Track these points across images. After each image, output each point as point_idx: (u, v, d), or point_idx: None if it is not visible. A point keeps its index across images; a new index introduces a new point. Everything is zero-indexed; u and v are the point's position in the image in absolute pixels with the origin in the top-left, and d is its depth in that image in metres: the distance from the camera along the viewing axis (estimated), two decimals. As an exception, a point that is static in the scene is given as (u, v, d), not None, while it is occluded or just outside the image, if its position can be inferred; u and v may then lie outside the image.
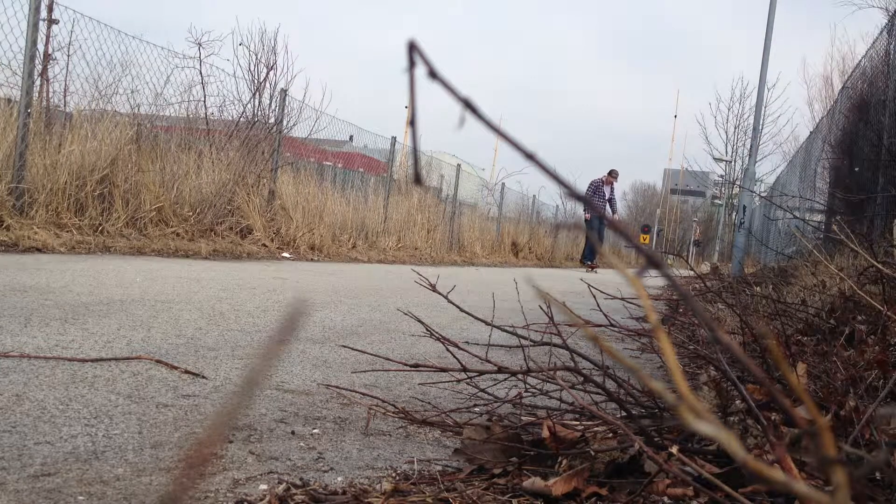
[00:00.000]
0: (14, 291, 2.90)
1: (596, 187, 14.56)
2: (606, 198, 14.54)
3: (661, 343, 0.38)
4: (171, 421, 1.44)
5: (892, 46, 6.58)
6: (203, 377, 1.83)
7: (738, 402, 1.20)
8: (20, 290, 2.96)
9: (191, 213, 7.32)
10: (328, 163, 11.98)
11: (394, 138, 12.77)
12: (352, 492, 1.13)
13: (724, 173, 34.70)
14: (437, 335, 1.65)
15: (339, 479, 1.22)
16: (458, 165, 15.90)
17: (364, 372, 2.05)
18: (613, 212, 15.21)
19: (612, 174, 14.69)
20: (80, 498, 1.02)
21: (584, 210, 13.88)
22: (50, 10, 6.68)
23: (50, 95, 7.07)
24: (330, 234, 9.34)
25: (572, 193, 0.40)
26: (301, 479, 1.18)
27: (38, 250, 5.01)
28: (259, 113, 9.17)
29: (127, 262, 4.90)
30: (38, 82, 6.52)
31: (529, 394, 1.58)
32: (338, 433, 1.48)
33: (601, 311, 2.16)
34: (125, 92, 7.48)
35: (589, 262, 15.05)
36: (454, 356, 1.60)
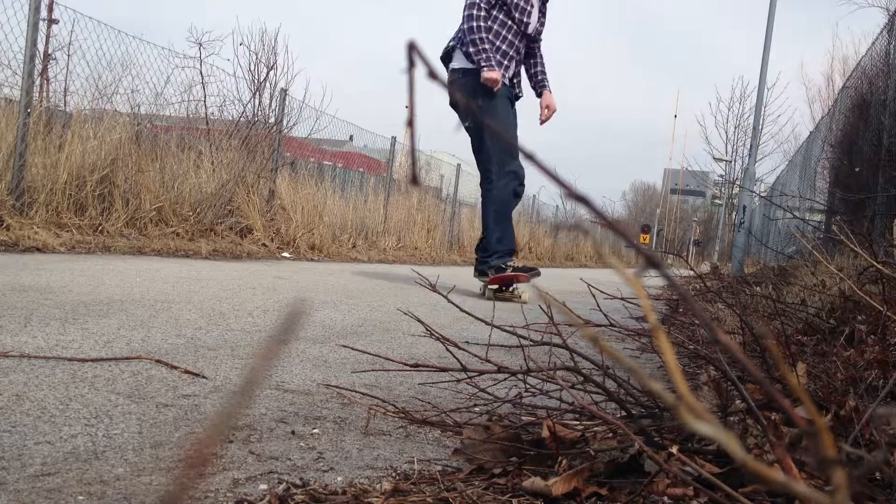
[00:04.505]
0: (14, 291, 2.90)
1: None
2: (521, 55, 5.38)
3: (661, 343, 0.38)
4: (171, 421, 1.44)
5: (892, 46, 6.58)
6: (203, 377, 1.83)
7: (738, 401, 1.20)
8: (20, 289, 2.96)
9: (191, 213, 7.32)
10: (328, 162, 11.98)
11: (394, 138, 12.77)
12: (352, 491, 1.13)
13: (724, 173, 34.71)
14: (437, 335, 1.65)
15: (339, 478, 1.22)
16: (458, 165, 15.88)
17: (364, 372, 2.05)
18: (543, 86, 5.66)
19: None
20: (80, 498, 1.02)
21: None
22: (50, 9, 6.69)
23: (50, 95, 7.08)
24: (330, 233, 9.33)
25: (571, 193, 0.40)
26: (301, 478, 1.18)
27: (38, 250, 5.01)
28: (259, 112, 9.17)
29: (127, 262, 4.90)
30: (38, 82, 6.52)
31: (529, 394, 1.58)
32: (338, 433, 1.48)
33: (601, 310, 2.16)
34: (125, 92, 7.49)
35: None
36: (454, 356, 1.60)
